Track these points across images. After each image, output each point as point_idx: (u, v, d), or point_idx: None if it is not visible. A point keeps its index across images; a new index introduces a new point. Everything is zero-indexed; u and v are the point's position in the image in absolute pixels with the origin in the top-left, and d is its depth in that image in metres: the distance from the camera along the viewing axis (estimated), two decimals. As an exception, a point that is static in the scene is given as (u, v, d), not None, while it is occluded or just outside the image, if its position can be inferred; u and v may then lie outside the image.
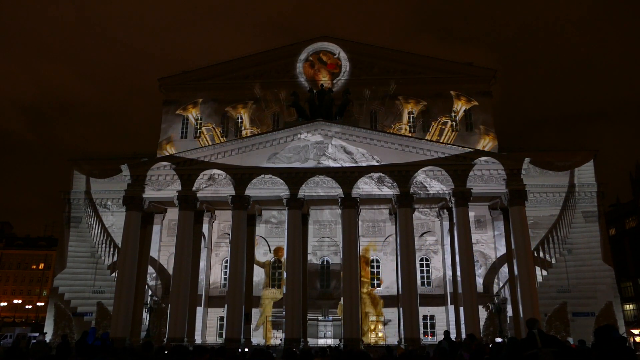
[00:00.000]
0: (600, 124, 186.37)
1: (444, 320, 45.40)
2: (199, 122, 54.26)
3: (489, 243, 47.14)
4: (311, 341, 43.35)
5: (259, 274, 48.07)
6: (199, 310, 45.23)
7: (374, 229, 49.59)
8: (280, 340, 42.44)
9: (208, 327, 46.73)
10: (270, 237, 49.43)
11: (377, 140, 43.66)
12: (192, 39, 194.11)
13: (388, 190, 42.82)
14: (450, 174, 42.23)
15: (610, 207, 73.87)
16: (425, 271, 48.63)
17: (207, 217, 47.81)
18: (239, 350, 30.88)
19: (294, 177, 43.14)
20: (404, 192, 42.17)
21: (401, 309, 41.32)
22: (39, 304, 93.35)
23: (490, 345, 27.72)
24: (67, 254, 48.41)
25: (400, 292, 41.90)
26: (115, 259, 46.85)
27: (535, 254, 44.24)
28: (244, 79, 54.97)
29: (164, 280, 47.05)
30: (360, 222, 46.44)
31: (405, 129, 51.25)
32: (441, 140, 47.18)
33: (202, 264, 46.75)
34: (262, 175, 43.53)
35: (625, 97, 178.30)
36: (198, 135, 53.05)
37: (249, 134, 51.56)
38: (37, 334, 40.56)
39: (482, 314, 42.22)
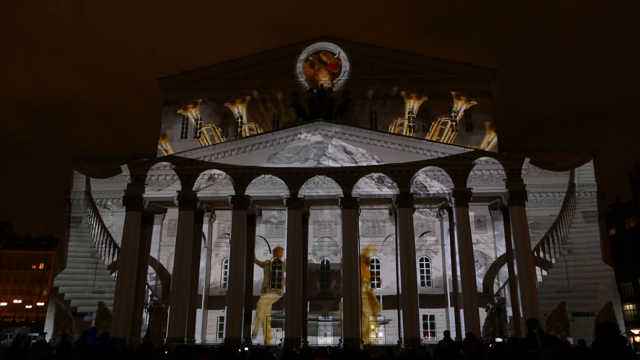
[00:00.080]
0: (600, 124, 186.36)
1: (444, 321, 45.40)
2: (199, 122, 54.28)
3: (489, 243, 47.14)
4: (311, 341, 43.38)
5: (258, 274, 48.07)
6: (199, 310, 45.25)
7: (374, 229, 49.60)
8: (280, 340, 42.45)
9: (208, 327, 46.74)
10: (270, 237, 49.43)
11: (377, 140, 43.67)
12: (192, 39, 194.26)
13: (388, 190, 42.83)
14: (450, 174, 42.24)
15: (610, 207, 73.89)
16: (425, 271, 48.64)
17: (207, 217, 47.82)
18: (239, 350, 30.88)
19: (294, 177, 43.14)
20: (404, 192, 42.17)
21: (401, 309, 41.34)
22: (39, 304, 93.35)
23: (490, 345, 27.72)
24: (67, 254, 48.43)
25: (400, 292, 41.90)
26: (115, 259, 46.85)
27: (535, 254, 44.24)
28: (244, 79, 55.01)
29: (164, 280, 47.05)
30: (360, 222, 46.44)
31: (406, 127, 51.25)
32: (441, 141, 47.21)
33: (202, 264, 46.76)
34: (262, 175, 43.54)
35: (625, 97, 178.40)
36: (198, 135, 53.08)
37: (247, 130, 51.61)
38: (37, 334, 40.56)
39: (482, 314, 42.22)
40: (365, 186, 43.06)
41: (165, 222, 48.71)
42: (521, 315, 39.23)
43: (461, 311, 40.91)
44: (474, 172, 42.30)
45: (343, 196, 42.71)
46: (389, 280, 47.60)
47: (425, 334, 45.45)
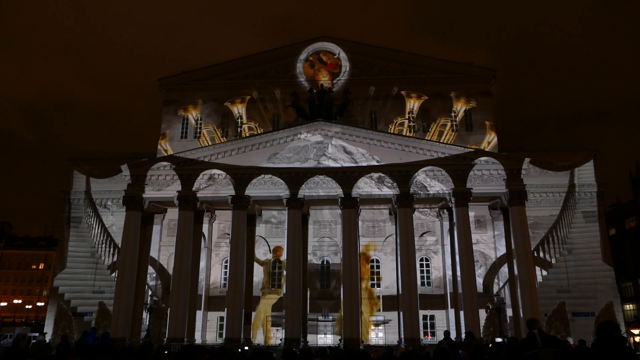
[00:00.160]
0: (600, 124, 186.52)
1: (444, 321, 45.40)
2: (199, 122, 54.29)
3: (489, 243, 47.13)
4: (311, 341, 43.37)
5: (258, 274, 48.06)
6: (199, 311, 45.22)
7: (374, 229, 49.60)
8: (280, 340, 42.45)
9: (208, 327, 46.75)
10: (270, 237, 49.43)
11: (377, 140, 43.66)
12: (192, 38, 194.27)
13: (388, 190, 42.82)
14: (450, 174, 42.24)
15: (610, 207, 73.86)
16: (425, 271, 48.64)
17: (207, 217, 47.81)
18: (239, 350, 30.87)
19: (294, 177, 43.14)
20: (404, 192, 42.17)
21: (401, 309, 41.32)
22: (39, 304, 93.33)
23: (490, 345, 27.73)
24: (67, 254, 48.42)
25: (400, 292, 41.90)
26: (115, 259, 46.84)
27: (535, 254, 44.23)
28: (244, 79, 54.99)
29: (164, 280, 47.04)
30: (360, 222, 46.43)
31: (407, 126, 51.23)
32: (441, 141, 47.19)
33: (202, 264, 46.76)
34: (262, 175, 43.54)
35: (625, 97, 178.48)
36: (198, 135, 53.10)
37: (247, 130, 51.61)
38: (37, 334, 40.55)
39: (482, 314, 42.22)
40: (365, 186, 43.06)
41: (165, 222, 48.70)
42: (521, 315, 39.22)
43: (461, 311, 40.91)
44: (474, 172, 42.30)
45: (343, 196, 42.71)
46: (389, 280, 47.58)
47: (425, 334, 45.45)
